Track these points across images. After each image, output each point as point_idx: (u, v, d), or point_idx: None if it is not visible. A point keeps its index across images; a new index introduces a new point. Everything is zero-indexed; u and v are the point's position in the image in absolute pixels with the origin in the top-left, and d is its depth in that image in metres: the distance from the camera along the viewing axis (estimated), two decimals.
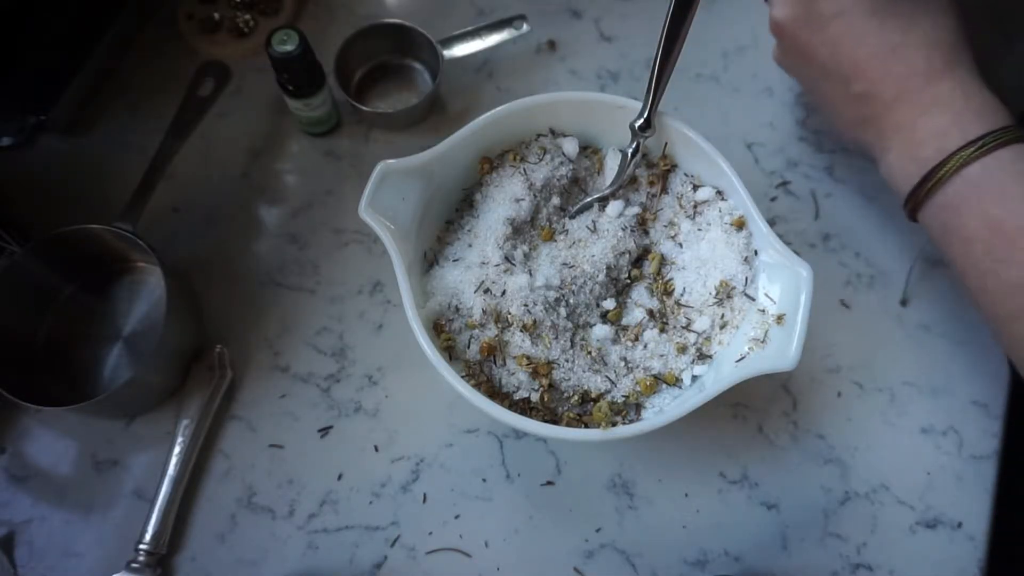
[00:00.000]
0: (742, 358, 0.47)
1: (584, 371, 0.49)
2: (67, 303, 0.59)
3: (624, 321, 0.52)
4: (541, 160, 0.54)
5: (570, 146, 0.55)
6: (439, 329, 0.50)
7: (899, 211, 0.61)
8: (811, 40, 0.49)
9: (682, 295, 0.52)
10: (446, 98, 0.66)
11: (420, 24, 0.63)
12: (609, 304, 0.52)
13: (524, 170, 0.53)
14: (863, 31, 0.48)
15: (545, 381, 0.48)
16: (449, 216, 0.55)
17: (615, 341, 0.51)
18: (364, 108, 0.62)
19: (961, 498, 0.54)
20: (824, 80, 0.51)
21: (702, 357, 0.50)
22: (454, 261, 0.53)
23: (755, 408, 0.57)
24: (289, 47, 0.56)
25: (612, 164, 0.54)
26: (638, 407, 0.50)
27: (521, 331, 0.49)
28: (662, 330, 0.51)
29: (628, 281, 0.53)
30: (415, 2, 0.71)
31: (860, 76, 0.48)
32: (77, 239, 0.55)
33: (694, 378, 0.50)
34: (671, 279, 0.53)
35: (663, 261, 0.54)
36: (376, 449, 0.56)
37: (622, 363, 0.50)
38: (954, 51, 0.47)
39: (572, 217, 0.54)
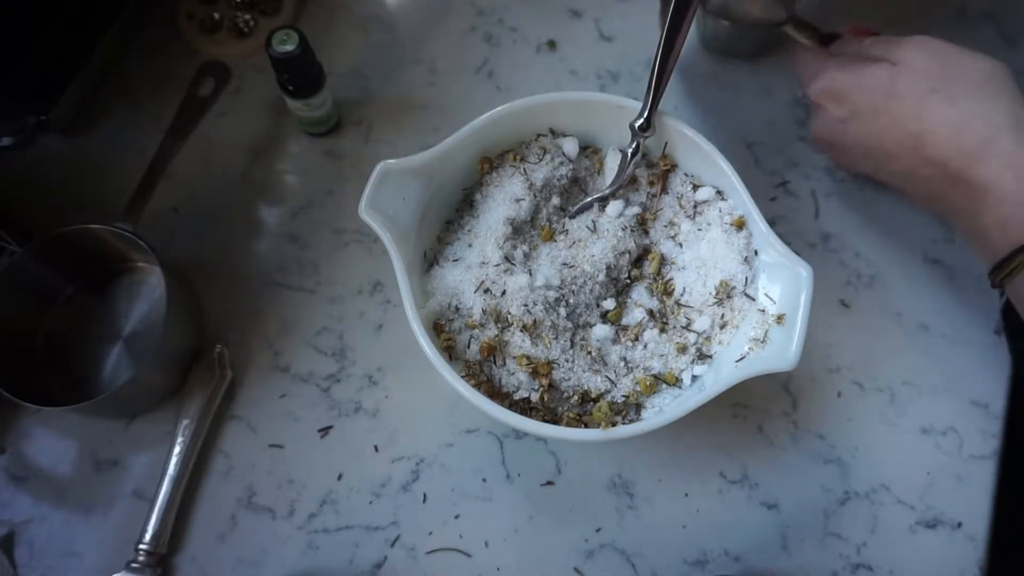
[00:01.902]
0: (742, 358, 0.47)
1: (584, 371, 0.49)
2: (67, 303, 0.59)
3: (624, 321, 0.52)
4: (541, 160, 0.54)
5: (570, 146, 0.54)
6: (439, 329, 0.50)
7: (899, 211, 0.61)
8: (863, 131, 0.50)
9: (682, 295, 0.52)
10: (445, 98, 0.66)
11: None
12: (609, 304, 0.52)
13: (524, 170, 0.53)
14: (919, 104, 0.47)
15: (545, 381, 0.48)
16: (449, 216, 0.55)
17: (615, 341, 0.51)
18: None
19: (961, 498, 0.54)
20: (893, 159, 0.50)
21: (702, 357, 0.50)
22: (454, 261, 0.52)
23: (755, 408, 0.57)
24: (289, 47, 0.56)
25: (612, 164, 0.54)
26: (638, 407, 0.50)
27: (521, 331, 0.49)
28: (662, 330, 0.51)
29: (628, 281, 0.53)
30: (414, 1, 0.71)
31: (930, 139, 0.47)
32: (77, 239, 0.55)
33: (694, 378, 0.50)
34: (671, 279, 0.53)
35: (663, 261, 0.54)
36: (376, 449, 0.56)
37: (622, 363, 0.50)
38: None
39: (572, 217, 0.54)
